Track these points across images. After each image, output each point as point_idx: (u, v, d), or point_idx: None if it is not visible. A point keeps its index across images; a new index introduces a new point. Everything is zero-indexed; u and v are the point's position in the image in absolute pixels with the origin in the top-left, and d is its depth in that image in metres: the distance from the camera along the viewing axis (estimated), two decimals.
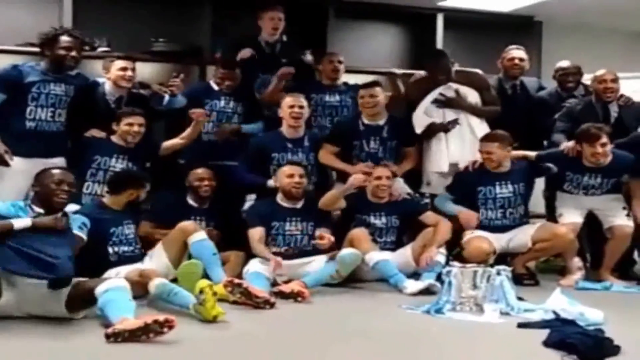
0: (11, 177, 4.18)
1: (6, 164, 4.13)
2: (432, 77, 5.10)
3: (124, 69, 4.57)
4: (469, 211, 4.71)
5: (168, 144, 4.70)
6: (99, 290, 3.30)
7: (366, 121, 4.91)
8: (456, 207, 4.74)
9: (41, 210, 3.63)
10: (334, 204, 4.58)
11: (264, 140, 4.89)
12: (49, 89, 4.30)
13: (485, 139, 4.76)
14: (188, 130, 4.67)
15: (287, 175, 4.54)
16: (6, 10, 5.36)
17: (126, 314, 3.20)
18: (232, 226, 4.60)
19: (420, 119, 4.96)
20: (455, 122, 4.95)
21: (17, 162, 4.20)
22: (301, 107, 4.77)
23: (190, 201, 4.62)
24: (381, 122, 4.91)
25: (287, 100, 4.77)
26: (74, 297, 3.39)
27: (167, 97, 4.69)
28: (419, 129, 4.95)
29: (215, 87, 5.04)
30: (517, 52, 5.41)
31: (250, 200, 4.86)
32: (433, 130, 4.94)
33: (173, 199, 4.62)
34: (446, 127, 4.93)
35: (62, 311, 3.39)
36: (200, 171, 4.61)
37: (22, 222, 3.45)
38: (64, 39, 4.30)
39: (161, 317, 3.13)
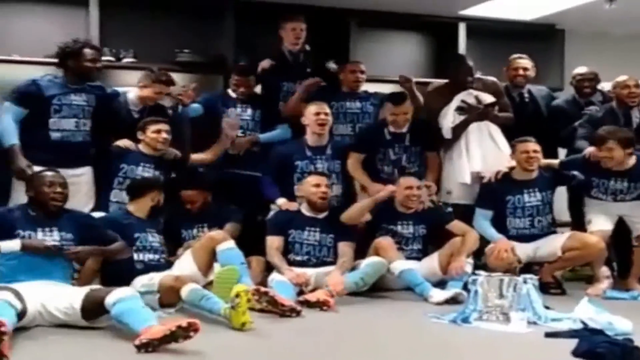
0: None
1: (25, 179, 4.15)
2: (455, 82, 5.11)
3: (159, 93, 4.60)
4: (504, 241, 4.61)
5: (196, 157, 4.75)
6: (109, 301, 3.28)
7: (392, 129, 4.92)
8: (496, 235, 4.66)
9: (34, 213, 3.74)
10: (359, 217, 4.60)
11: (287, 149, 4.91)
12: (70, 99, 4.37)
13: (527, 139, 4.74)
14: (215, 146, 4.72)
15: (314, 185, 4.56)
16: (34, 23, 5.43)
17: (149, 322, 3.19)
18: (253, 233, 4.62)
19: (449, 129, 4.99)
20: (493, 105, 4.95)
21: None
22: (326, 114, 4.80)
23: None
24: (405, 129, 4.93)
25: (312, 108, 4.80)
26: (88, 307, 3.38)
27: (179, 107, 4.74)
28: (448, 134, 4.97)
29: (233, 95, 5.08)
30: (521, 62, 5.45)
31: (274, 208, 4.87)
32: (469, 121, 4.93)
33: (176, 210, 4.58)
34: (483, 114, 4.93)
35: (81, 322, 3.41)
36: (188, 193, 4.61)
37: (10, 244, 3.54)
38: (89, 51, 4.39)
39: (184, 322, 3.11)
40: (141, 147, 4.53)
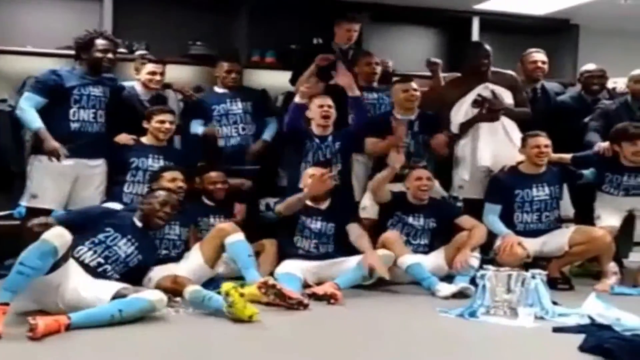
0: (55, 177, 4.36)
1: (58, 159, 4.29)
2: (472, 67, 5.07)
3: (153, 73, 4.76)
4: (511, 236, 4.60)
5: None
6: None
7: (399, 116, 4.92)
8: (504, 230, 4.64)
9: (140, 225, 3.88)
10: (381, 186, 4.65)
11: (299, 126, 4.85)
12: (89, 91, 4.46)
13: (539, 134, 4.74)
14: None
15: (311, 176, 4.55)
16: (47, 15, 5.48)
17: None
18: (258, 225, 4.72)
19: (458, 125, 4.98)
20: (500, 110, 4.94)
21: (60, 163, 4.32)
22: (330, 106, 4.79)
23: (206, 200, 4.69)
24: (412, 117, 4.95)
25: (316, 101, 4.80)
26: None
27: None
28: (456, 130, 4.95)
29: (220, 90, 5.08)
30: (539, 55, 5.42)
31: (263, 203, 5.00)
32: (476, 121, 4.92)
33: (190, 201, 4.57)
34: (490, 117, 4.91)
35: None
36: (213, 175, 4.66)
37: None
38: (100, 42, 4.46)
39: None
40: (145, 139, 4.60)
